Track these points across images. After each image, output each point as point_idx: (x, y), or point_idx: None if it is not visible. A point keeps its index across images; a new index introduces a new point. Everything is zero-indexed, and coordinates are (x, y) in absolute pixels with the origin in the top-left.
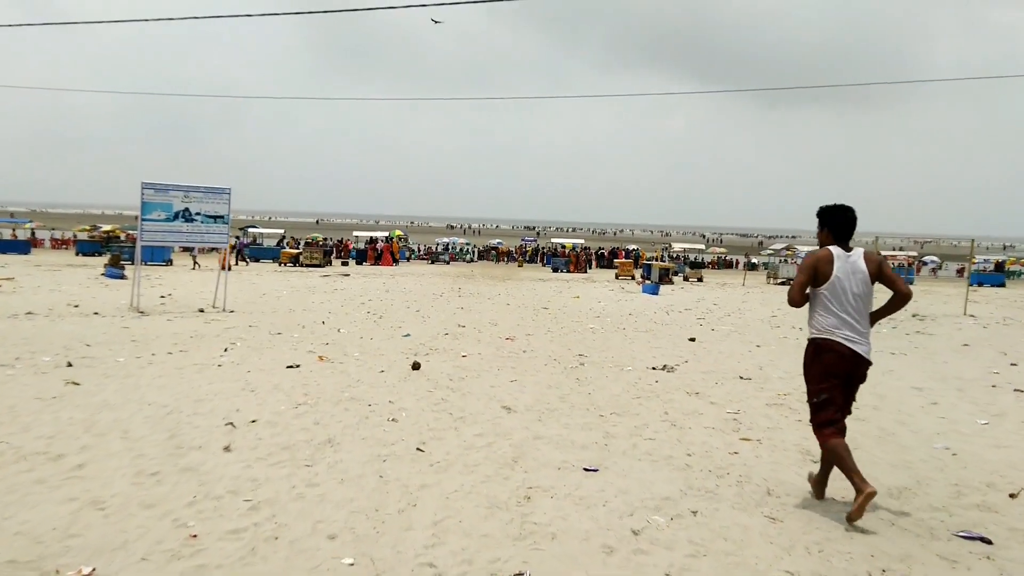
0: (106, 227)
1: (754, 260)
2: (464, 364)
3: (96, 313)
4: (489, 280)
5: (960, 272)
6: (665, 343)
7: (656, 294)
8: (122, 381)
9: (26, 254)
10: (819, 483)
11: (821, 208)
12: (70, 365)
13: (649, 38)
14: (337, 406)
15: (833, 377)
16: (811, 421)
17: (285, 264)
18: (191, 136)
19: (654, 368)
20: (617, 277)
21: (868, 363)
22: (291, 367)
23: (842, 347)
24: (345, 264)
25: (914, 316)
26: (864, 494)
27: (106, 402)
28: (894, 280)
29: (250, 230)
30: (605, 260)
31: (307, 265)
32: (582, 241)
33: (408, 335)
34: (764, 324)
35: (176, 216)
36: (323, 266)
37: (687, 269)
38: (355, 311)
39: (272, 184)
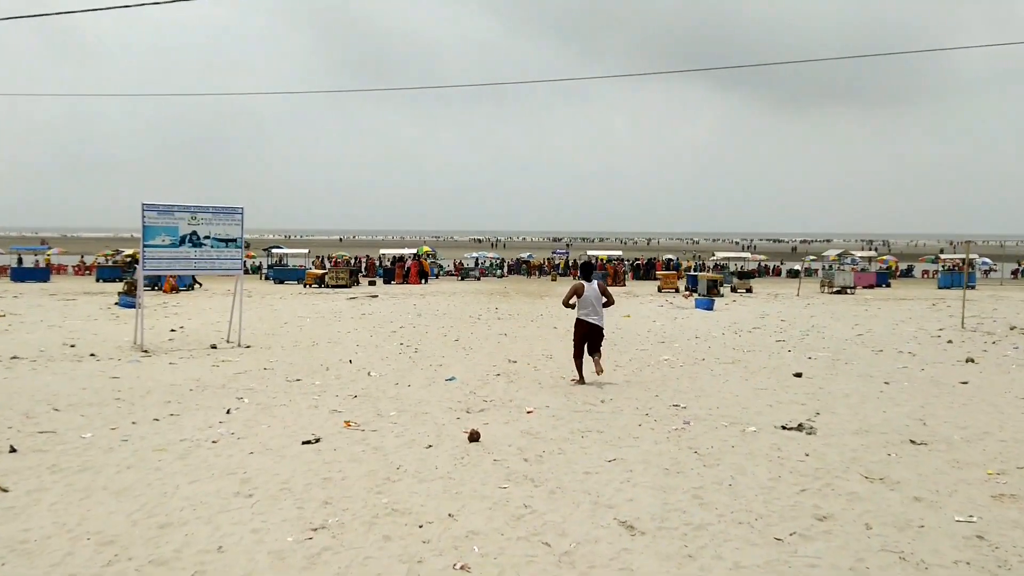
0: (128, 251)
1: (797, 267)
2: (534, 427)
3: (92, 355)
4: (526, 297)
5: (1015, 274)
6: (765, 380)
7: (711, 309)
8: (70, 483)
9: (45, 281)
10: (581, 378)
11: (578, 264)
12: (13, 450)
13: (669, 45)
14: (371, 531)
15: (582, 336)
16: (574, 357)
17: (310, 286)
18: (215, 156)
19: (785, 428)
20: (660, 290)
21: (601, 328)
22: (308, 442)
23: (586, 323)
24: (372, 283)
25: (1012, 329)
26: (598, 373)
27: (25, 534)
28: (609, 293)
29: (274, 251)
30: (642, 271)
31: (333, 286)
32: (619, 252)
33: (453, 378)
34: (861, 347)
35: (183, 240)
36: (350, 286)
37: (734, 280)
38: (386, 342)
39: (295, 203)
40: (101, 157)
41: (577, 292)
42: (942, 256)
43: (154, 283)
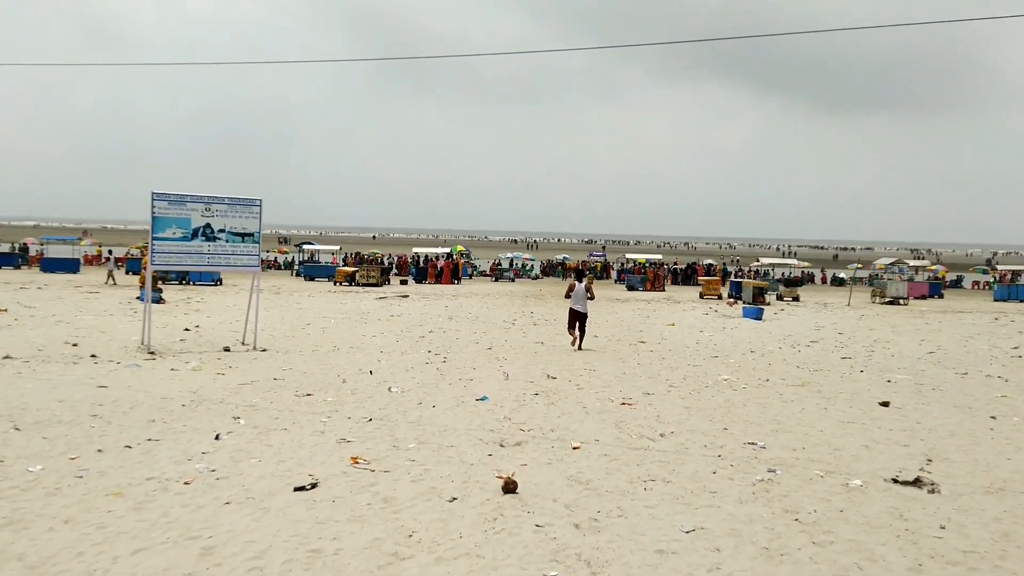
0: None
1: (842, 275)
2: (583, 470)
3: (93, 356)
4: (562, 301)
5: None
6: (847, 409)
7: (760, 319)
8: None
9: (74, 273)
10: (575, 343)
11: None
12: None
13: (707, 46)
14: None
15: (572, 317)
16: (568, 330)
17: (340, 283)
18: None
19: (897, 481)
20: (702, 296)
21: (584, 314)
22: (302, 488)
23: (574, 310)
24: (404, 282)
25: None
26: (575, 344)
27: None
28: (592, 292)
29: (306, 247)
30: (681, 276)
31: (363, 284)
32: (659, 256)
33: (485, 398)
34: (940, 368)
35: (195, 234)
36: (380, 285)
37: (780, 287)
38: (413, 349)
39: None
40: (139, 149)
41: (571, 289)
42: (998, 267)
43: (182, 277)
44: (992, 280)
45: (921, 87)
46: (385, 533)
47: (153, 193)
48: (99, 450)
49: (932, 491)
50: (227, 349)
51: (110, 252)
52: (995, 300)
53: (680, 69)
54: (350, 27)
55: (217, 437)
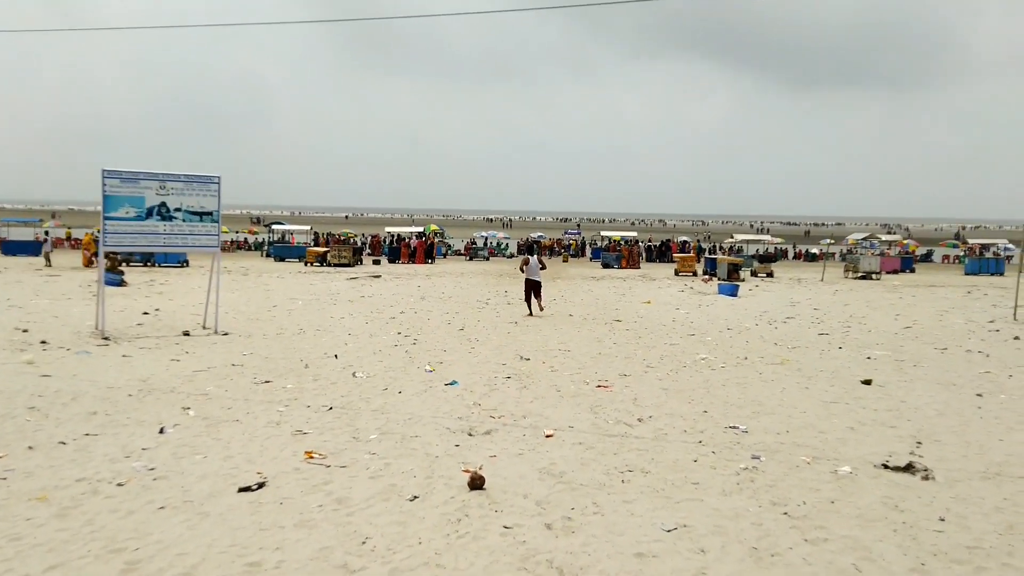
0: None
1: (815, 250)
2: (556, 461)
3: (43, 343)
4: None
5: None
6: (828, 388)
7: (735, 295)
8: None
9: (37, 255)
10: (531, 311)
11: (526, 244)
12: None
13: (681, 23)
14: None
15: (528, 287)
16: (524, 300)
17: (311, 264)
18: (220, 131)
19: (888, 467)
20: (677, 273)
21: (539, 282)
22: (248, 489)
23: (531, 280)
24: (377, 262)
25: None
26: (531, 313)
27: None
28: (544, 264)
29: (276, 227)
30: (655, 254)
31: (335, 265)
32: (634, 234)
33: (454, 383)
34: (919, 344)
35: (150, 213)
36: (353, 265)
37: (755, 263)
38: (382, 331)
39: (301, 180)
40: (107, 129)
41: (525, 262)
42: (969, 241)
43: (146, 258)
44: (962, 254)
45: (890, 63)
46: (335, 540)
47: (104, 170)
48: (30, 447)
49: (926, 478)
50: (186, 333)
51: (46, 234)
52: (966, 274)
53: (654, 46)
54: (321, 3)
55: (161, 431)
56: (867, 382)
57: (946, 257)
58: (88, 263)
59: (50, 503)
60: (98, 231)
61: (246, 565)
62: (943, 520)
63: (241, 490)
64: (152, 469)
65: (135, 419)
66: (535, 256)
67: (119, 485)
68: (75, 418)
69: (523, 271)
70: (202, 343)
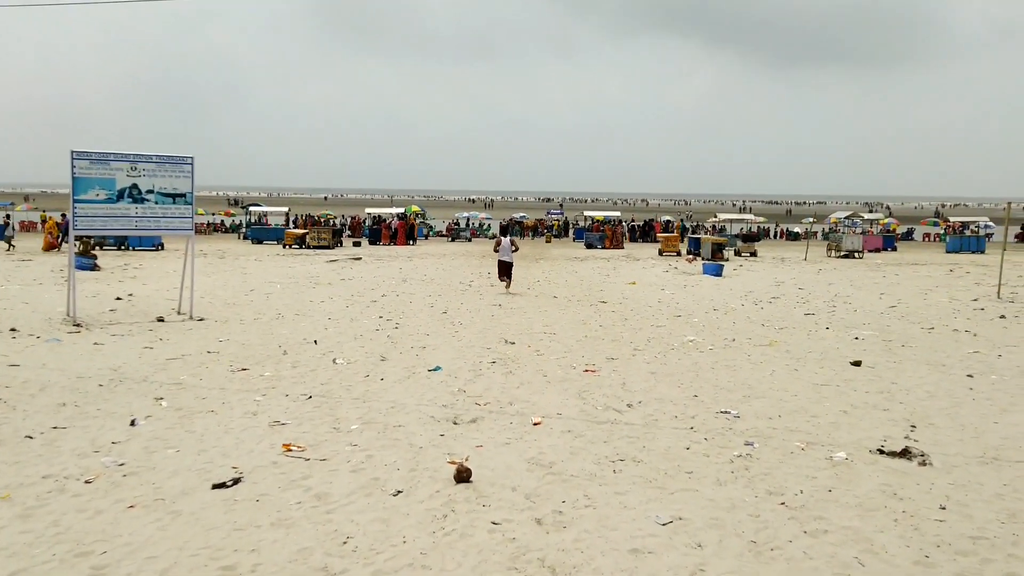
0: None
1: (797, 229)
2: (545, 450)
3: (12, 330)
4: (520, 260)
5: (1019, 238)
6: (818, 370)
7: (720, 275)
8: None
9: (1, 239)
10: (507, 286)
11: (501, 228)
12: None
13: (663, 0)
14: None
15: (500, 267)
16: (498, 278)
17: (290, 246)
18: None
19: (884, 452)
20: (661, 253)
21: (510, 263)
22: (223, 485)
23: (501, 260)
24: (357, 244)
25: None
26: (507, 288)
27: None
28: (517, 244)
29: (253, 208)
30: (638, 234)
31: (314, 247)
32: (617, 214)
33: (438, 368)
34: (905, 323)
35: (121, 195)
36: (332, 247)
37: (738, 243)
38: (363, 315)
39: (279, 161)
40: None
41: (498, 244)
42: (950, 219)
43: (120, 242)
44: (942, 232)
45: (871, 40)
46: (315, 540)
47: (73, 151)
48: None
49: (923, 463)
50: (160, 319)
51: (7, 217)
52: (947, 251)
53: (635, 24)
54: None
55: (133, 423)
56: (856, 363)
57: (927, 235)
58: (49, 247)
59: (13, 502)
60: (63, 215)
61: (220, 569)
62: (944, 508)
63: (215, 487)
64: (122, 465)
65: (105, 411)
66: (507, 238)
67: (87, 482)
68: (43, 410)
69: (496, 251)
70: (177, 329)
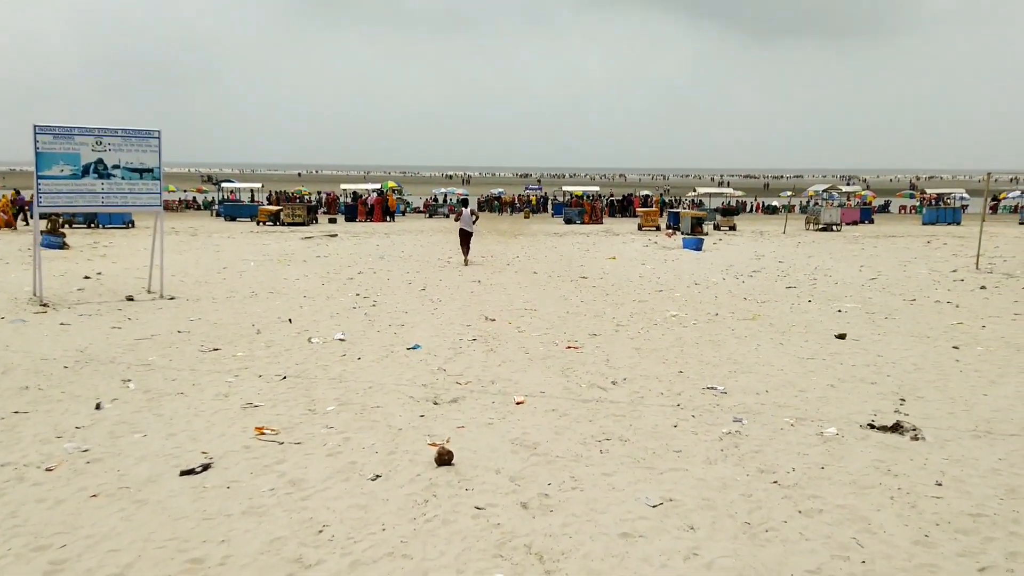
0: None
1: (775, 203)
2: (529, 430)
3: None
4: (498, 236)
5: (992, 209)
6: (803, 344)
7: (700, 249)
8: None
9: None
10: (466, 257)
11: (460, 201)
12: None
13: None
14: None
15: (461, 236)
16: (460, 249)
17: (264, 223)
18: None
19: (874, 426)
20: (640, 228)
21: (470, 233)
22: (191, 471)
23: (463, 229)
24: (333, 221)
25: None
26: (465, 262)
27: None
28: (477, 214)
29: (226, 185)
30: (617, 208)
31: (289, 224)
32: (596, 188)
33: (417, 346)
34: (887, 295)
35: (86, 171)
36: (307, 224)
37: (717, 217)
38: (339, 292)
39: (253, 137)
40: (50, 86)
41: (459, 216)
42: (928, 192)
43: (89, 219)
44: (918, 204)
45: (846, 11)
46: (289, 530)
47: (35, 126)
48: None
49: (915, 438)
50: (130, 299)
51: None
52: (924, 224)
53: None
54: None
55: (98, 407)
56: (841, 336)
57: (903, 207)
58: (4, 225)
59: None
60: (16, 191)
61: (187, 562)
62: (940, 485)
63: (183, 473)
64: (86, 451)
65: (70, 394)
66: (467, 208)
67: (48, 470)
68: (4, 394)
69: (457, 221)
70: (146, 309)
